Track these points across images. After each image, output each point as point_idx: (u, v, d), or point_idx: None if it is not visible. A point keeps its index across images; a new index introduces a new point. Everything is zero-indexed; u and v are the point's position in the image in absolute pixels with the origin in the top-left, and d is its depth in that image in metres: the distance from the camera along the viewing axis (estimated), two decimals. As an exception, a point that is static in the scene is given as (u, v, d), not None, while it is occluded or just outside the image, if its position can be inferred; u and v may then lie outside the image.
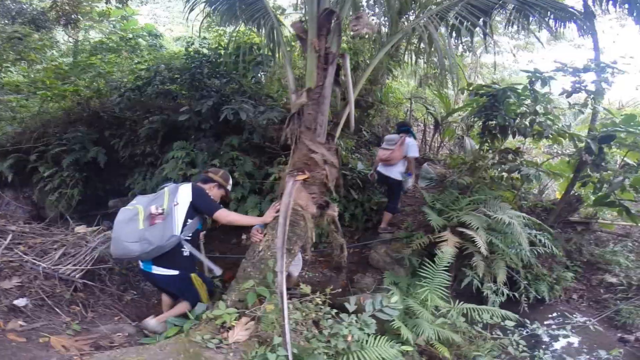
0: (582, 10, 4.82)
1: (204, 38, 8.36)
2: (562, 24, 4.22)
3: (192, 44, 6.47)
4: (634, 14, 5.23)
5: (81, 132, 7.08)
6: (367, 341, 2.51)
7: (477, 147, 6.31)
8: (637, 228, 6.38)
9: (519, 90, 4.93)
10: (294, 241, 2.80)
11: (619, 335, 5.19)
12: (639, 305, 5.52)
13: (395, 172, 4.75)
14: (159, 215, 2.51)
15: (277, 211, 2.78)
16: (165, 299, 3.12)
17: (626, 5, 5.09)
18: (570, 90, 5.11)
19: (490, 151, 5.54)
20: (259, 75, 5.77)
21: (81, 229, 4.15)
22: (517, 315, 3.69)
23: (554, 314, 5.54)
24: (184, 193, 2.69)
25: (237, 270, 2.93)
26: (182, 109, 5.61)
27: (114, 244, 2.47)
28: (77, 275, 3.15)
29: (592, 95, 4.98)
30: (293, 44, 6.26)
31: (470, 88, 5.12)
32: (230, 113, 4.98)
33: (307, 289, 2.52)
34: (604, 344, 4.90)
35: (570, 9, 4.16)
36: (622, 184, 5.34)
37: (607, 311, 5.55)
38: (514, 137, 5.29)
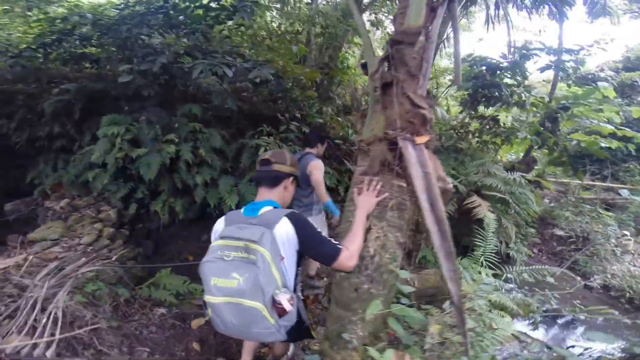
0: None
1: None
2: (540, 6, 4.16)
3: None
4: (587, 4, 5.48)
5: (-57, 115, 4.63)
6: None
7: (447, 115, 5.99)
8: (572, 185, 6.86)
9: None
10: (403, 230, 1.79)
11: (584, 283, 5.39)
12: (590, 255, 5.86)
13: None
14: (292, 303, 1.47)
15: (379, 193, 1.75)
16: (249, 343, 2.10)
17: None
18: (544, 66, 5.22)
19: (469, 118, 5.23)
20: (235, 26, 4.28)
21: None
22: (562, 269, 3.41)
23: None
24: (283, 235, 1.50)
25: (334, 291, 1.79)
26: (122, 69, 3.87)
27: (236, 334, 1.57)
28: (49, 352, 1.60)
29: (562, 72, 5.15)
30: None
31: (470, 59, 4.77)
32: (208, 70, 3.50)
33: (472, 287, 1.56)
34: (575, 292, 4.98)
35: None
36: (577, 147, 5.58)
37: (566, 263, 5.76)
38: (493, 105, 5.05)
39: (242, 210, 1.64)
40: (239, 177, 4.15)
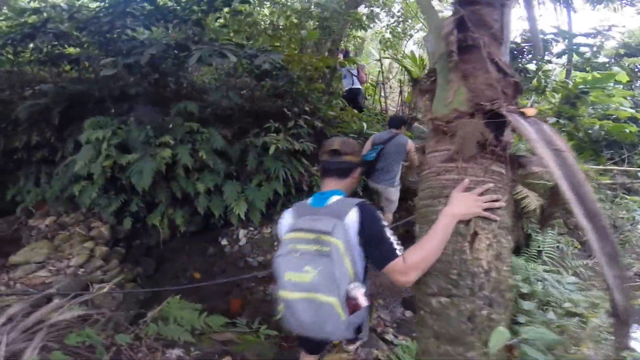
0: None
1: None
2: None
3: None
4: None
5: None
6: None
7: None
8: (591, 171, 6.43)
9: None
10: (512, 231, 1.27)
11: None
12: (621, 243, 5.43)
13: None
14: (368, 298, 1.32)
15: (477, 193, 1.22)
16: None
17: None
18: (561, 51, 4.86)
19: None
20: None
21: None
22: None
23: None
24: (352, 225, 1.32)
25: (421, 319, 1.24)
26: (104, 62, 3.25)
27: (307, 331, 1.37)
28: None
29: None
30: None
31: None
32: (207, 56, 2.90)
33: None
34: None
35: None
36: (599, 132, 5.21)
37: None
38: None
39: (308, 200, 1.49)
40: (245, 182, 3.55)
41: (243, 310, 3.06)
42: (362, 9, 7.50)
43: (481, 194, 1.19)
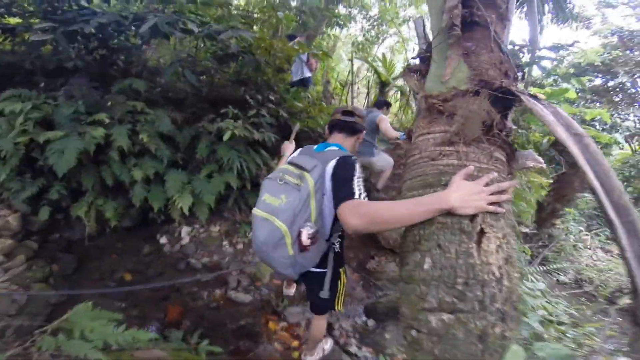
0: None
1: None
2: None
3: None
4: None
5: None
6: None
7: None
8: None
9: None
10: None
11: (555, 279, 5.18)
12: (557, 251, 5.72)
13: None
14: (311, 240, 1.37)
15: (491, 181, 0.97)
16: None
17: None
18: (525, 63, 4.94)
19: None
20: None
21: None
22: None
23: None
24: (329, 171, 1.38)
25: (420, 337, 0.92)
26: (39, 26, 2.66)
27: (261, 258, 1.51)
28: None
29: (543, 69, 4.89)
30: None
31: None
32: (164, 23, 2.42)
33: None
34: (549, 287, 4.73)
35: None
36: (548, 144, 5.42)
37: (536, 260, 5.53)
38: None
39: (314, 146, 1.62)
40: (193, 172, 3.07)
41: (182, 318, 2.58)
42: (341, 9, 7.34)
43: (486, 185, 0.93)
